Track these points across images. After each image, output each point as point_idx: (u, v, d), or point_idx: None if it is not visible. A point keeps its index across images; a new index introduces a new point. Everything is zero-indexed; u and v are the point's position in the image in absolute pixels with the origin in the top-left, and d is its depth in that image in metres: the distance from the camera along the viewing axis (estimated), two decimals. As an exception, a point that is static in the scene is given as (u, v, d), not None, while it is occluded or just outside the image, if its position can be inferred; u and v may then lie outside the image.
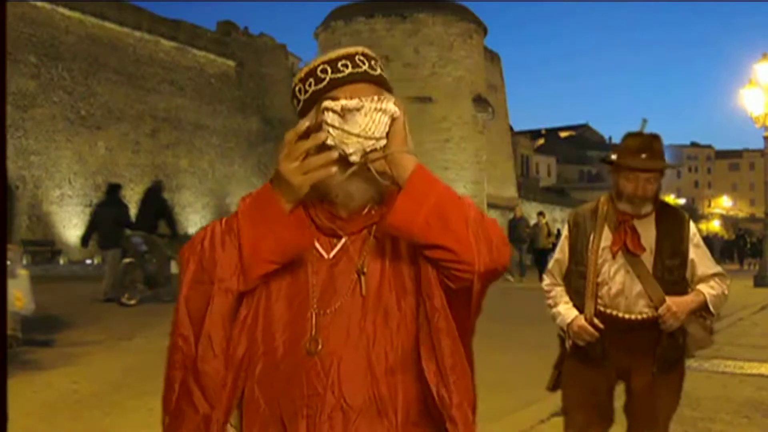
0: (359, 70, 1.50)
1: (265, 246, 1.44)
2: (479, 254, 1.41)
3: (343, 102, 1.44)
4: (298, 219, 1.48)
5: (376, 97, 1.46)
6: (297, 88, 1.54)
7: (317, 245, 1.53)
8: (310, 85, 1.51)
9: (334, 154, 1.41)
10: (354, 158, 1.44)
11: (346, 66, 1.49)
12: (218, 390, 1.46)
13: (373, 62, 1.54)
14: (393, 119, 1.46)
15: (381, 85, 1.54)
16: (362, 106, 1.44)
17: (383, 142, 1.45)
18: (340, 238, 1.53)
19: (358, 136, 1.43)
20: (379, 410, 1.46)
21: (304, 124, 1.44)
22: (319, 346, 1.46)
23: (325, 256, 1.52)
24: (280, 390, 1.48)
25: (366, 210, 1.54)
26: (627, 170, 2.93)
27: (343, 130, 1.43)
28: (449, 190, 1.47)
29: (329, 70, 1.50)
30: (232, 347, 1.48)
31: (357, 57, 1.52)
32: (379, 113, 1.45)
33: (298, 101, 1.53)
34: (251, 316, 1.49)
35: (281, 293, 1.50)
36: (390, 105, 1.46)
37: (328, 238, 1.53)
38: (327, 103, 1.45)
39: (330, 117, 1.44)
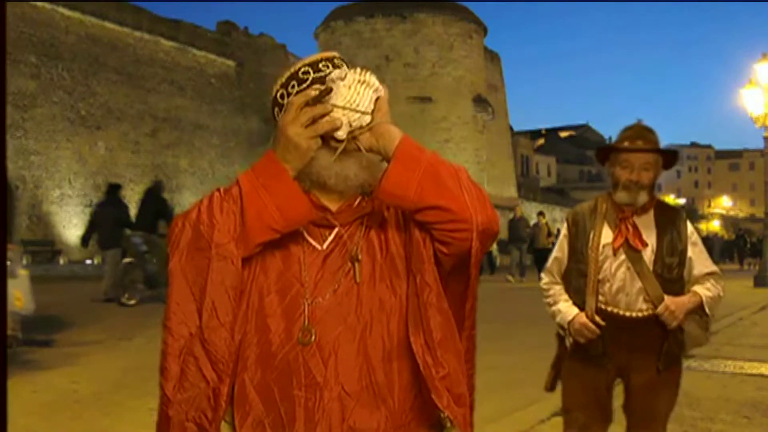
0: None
1: (269, 213, 1.43)
2: (475, 211, 1.43)
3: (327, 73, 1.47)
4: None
5: (359, 69, 1.47)
6: (279, 94, 1.53)
7: (308, 238, 1.52)
8: (293, 87, 1.51)
9: (339, 120, 1.41)
10: (340, 134, 1.43)
11: (327, 66, 1.50)
12: (226, 361, 1.43)
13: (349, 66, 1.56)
14: (377, 95, 1.47)
15: None
16: (345, 75, 1.45)
17: (368, 118, 1.45)
18: (332, 228, 1.53)
19: (343, 108, 1.43)
20: (376, 397, 1.47)
21: (312, 91, 1.44)
22: (312, 337, 1.46)
23: (318, 247, 1.52)
24: (276, 381, 1.47)
25: (357, 202, 1.55)
26: (623, 157, 2.95)
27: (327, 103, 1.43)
28: (438, 155, 1.49)
29: (311, 71, 1.50)
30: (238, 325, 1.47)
31: (335, 59, 1.53)
32: (363, 85, 1.45)
33: (281, 107, 1.52)
34: (242, 312, 1.48)
35: (273, 288, 1.50)
36: (373, 78, 1.46)
37: (319, 230, 1.53)
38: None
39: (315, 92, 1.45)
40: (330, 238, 1.53)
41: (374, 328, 1.49)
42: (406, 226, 1.54)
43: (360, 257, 1.51)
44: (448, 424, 1.52)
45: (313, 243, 1.53)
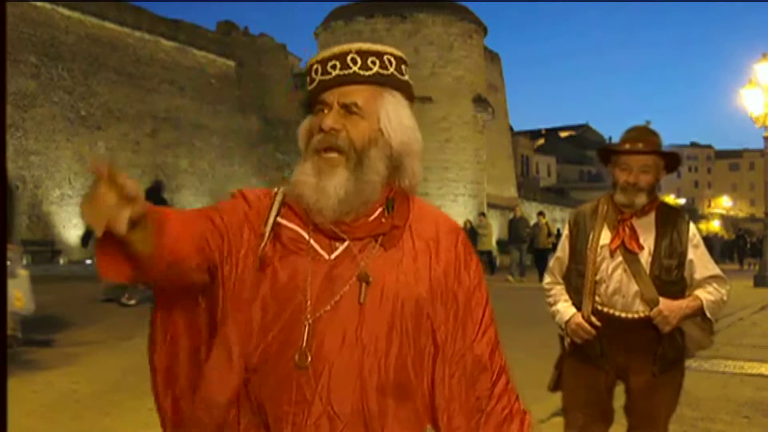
0: (347, 72, 1.45)
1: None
2: None
3: None
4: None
5: None
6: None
7: (316, 246, 1.46)
8: (308, 84, 1.50)
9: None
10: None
11: (335, 67, 1.45)
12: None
13: (371, 60, 1.47)
14: None
15: (381, 84, 1.48)
16: None
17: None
18: (342, 241, 1.46)
19: None
20: (366, 424, 1.40)
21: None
22: (309, 359, 1.39)
23: (326, 257, 1.45)
24: (267, 395, 1.42)
25: (374, 217, 1.48)
26: (622, 158, 2.95)
27: None
28: None
29: (319, 71, 1.47)
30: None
31: (349, 56, 1.46)
32: None
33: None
34: (244, 320, 1.44)
35: (274, 299, 1.44)
36: None
37: (329, 241, 1.46)
38: None
39: None
40: (340, 250, 1.46)
41: (373, 353, 1.42)
42: (429, 262, 1.49)
43: (371, 279, 1.43)
44: None
45: (321, 252, 1.46)
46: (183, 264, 1.39)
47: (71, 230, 24.21)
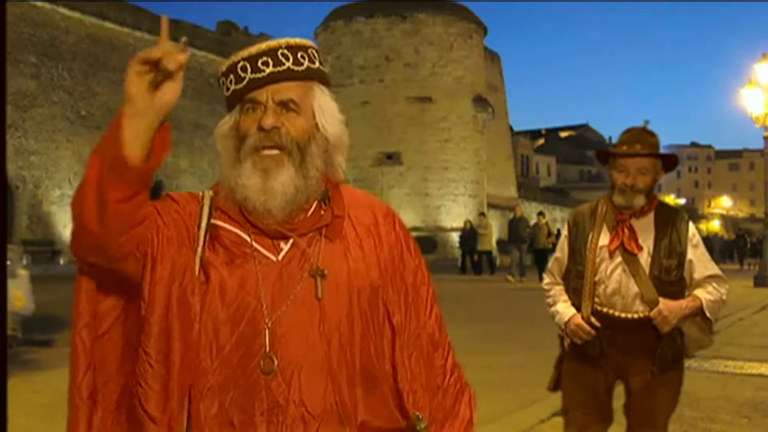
0: (280, 68, 1.41)
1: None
2: None
3: None
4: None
5: None
6: (220, 82, 1.47)
7: (261, 249, 1.42)
8: (231, 83, 1.44)
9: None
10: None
11: (267, 64, 1.41)
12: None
13: (300, 54, 1.44)
14: None
15: (311, 78, 1.45)
16: None
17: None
18: (287, 239, 1.43)
19: None
20: (341, 418, 1.39)
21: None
22: (275, 364, 1.36)
23: (273, 258, 1.42)
24: (236, 408, 1.37)
25: (312, 210, 1.46)
26: (619, 161, 2.95)
27: None
28: None
29: (249, 68, 1.42)
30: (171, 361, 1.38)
31: (280, 52, 1.42)
32: None
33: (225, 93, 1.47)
34: (197, 332, 1.38)
35: (227, 311, 1.39)
36: None
37: (273, 241, 1.43)
38: None
39: None
40: (286, 249, 1.43)
41: (337, 348, 1.40)
42: (374, 247, 1.49)
43: (326, 272, 1.41)
44: (422, 426, 1.47)
45: (267, 254, 1.42)
46: (131, 237, 1.36)
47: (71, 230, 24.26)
